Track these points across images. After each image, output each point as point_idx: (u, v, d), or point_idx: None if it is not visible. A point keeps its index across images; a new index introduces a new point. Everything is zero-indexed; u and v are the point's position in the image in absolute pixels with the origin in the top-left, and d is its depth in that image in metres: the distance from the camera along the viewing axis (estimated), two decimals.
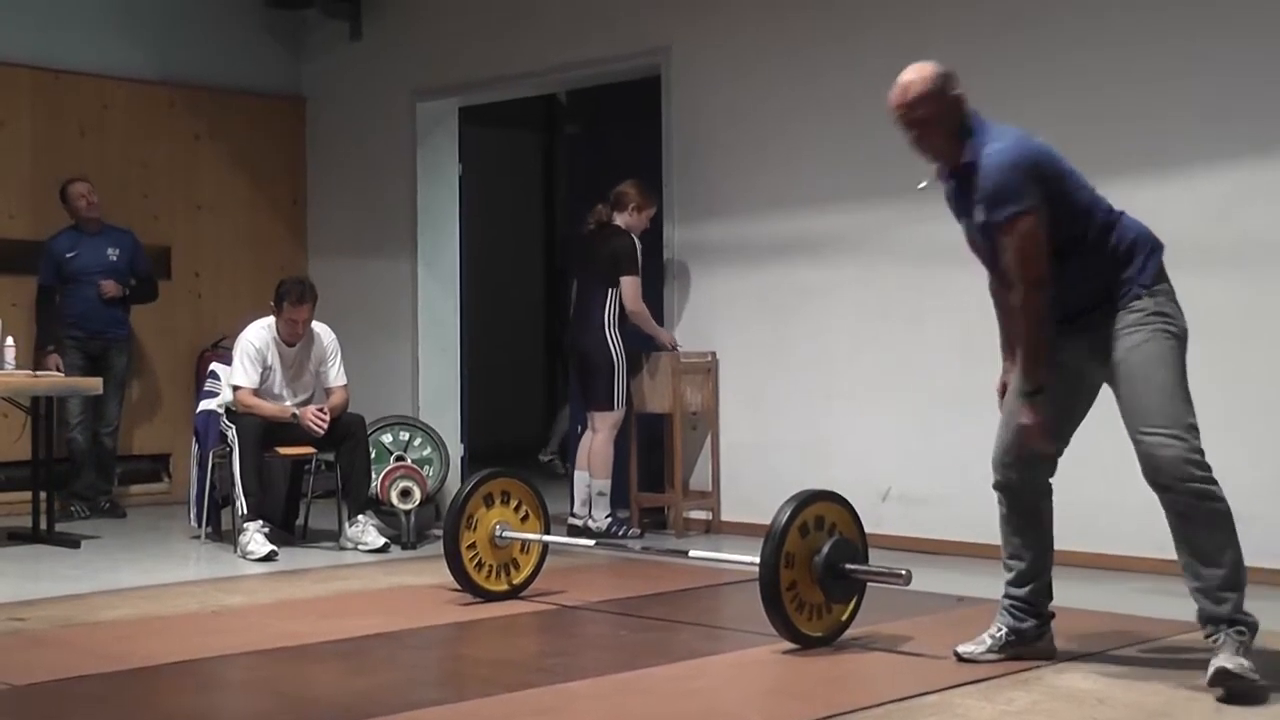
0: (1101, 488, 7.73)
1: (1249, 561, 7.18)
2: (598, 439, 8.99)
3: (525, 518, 6.87)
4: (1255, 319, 7.27)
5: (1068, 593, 6.96)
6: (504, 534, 6.75)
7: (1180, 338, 5.43)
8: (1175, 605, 6.59)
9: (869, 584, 5.83)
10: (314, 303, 8.60)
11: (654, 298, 9.53)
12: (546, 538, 6.93)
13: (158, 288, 10.48)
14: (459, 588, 6.77)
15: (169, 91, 11.19)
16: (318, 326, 8.73)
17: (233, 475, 8.38)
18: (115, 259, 10.09)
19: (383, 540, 8.47)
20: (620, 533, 8.86)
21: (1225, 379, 7.34)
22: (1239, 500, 7.21)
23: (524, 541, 6.87)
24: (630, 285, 8.95)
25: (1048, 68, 7.95)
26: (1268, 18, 7.25)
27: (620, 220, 9.06)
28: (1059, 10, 7.93)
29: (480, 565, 6.72)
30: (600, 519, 8.91)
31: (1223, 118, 7.37)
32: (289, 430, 8.50)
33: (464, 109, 11.12)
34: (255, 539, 8.22)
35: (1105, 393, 7.68)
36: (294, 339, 8.62)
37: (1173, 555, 7.32)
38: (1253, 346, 7.27)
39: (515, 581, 6.85)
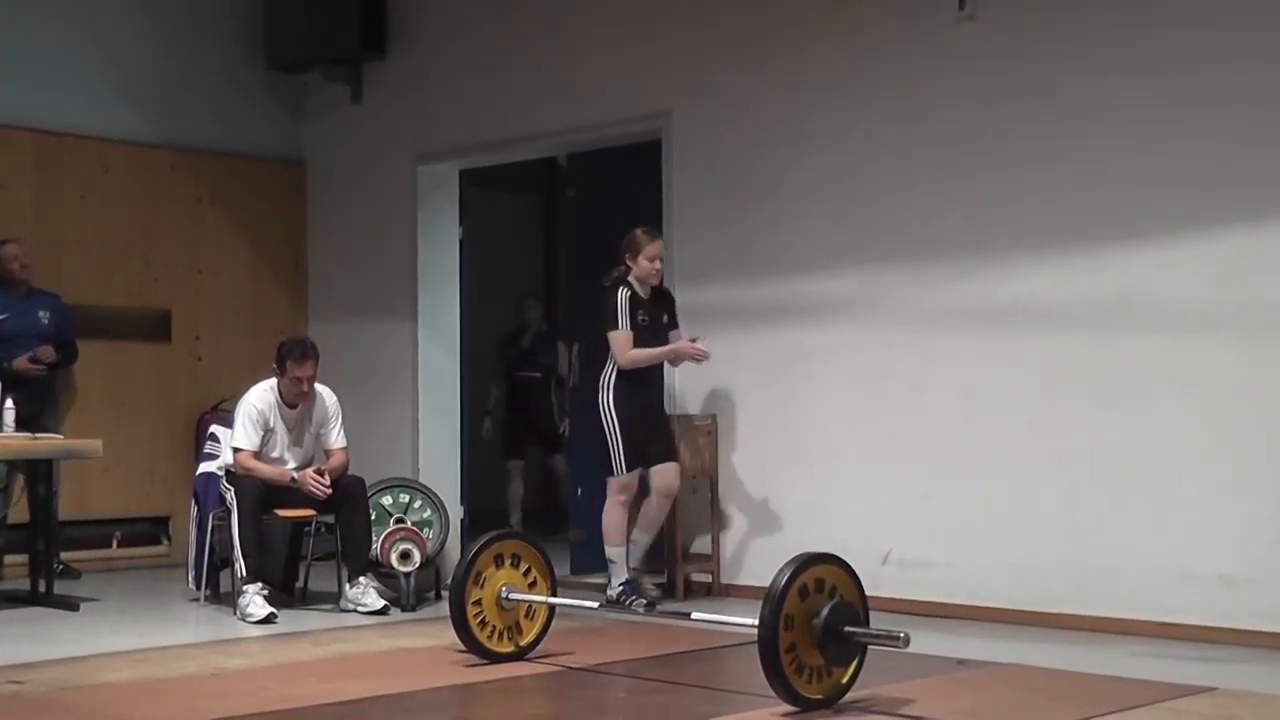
0: (1100, 552, 7.75)
1: (1248, 625, 7.23)
2: (605, 505, 8.74)
3: (533, 584, 6.88)
4: (1256, 381, 7.28)
5: (1064, 656, 6.97)
6: (510, 596, 6.75)
7: None
8: (1172, 669, 6.60)
9: (869, 647, 5.82)
10: (317, 360, 8.61)
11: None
12: (551, 599, 6.93)
13: (77, 351, 10.27)
14: (460, 649, 6.77)
15: (170, 155, 11.24)
16: (320, 388, 8.73)
17: (232, 537, 8.37)
18: (46, 322, 9.97)
19: (382, 602, 8.45)
20: (627, 602, 8.58)
21: (1226, 441, 7.36)
22: (1240, 563, 7.27)
23: (529, 606, 6.87)
24: (613, 341, 8.63)
25: (1047, 133, 8.00)
26: (1268, 82, 7.29)
27: (631, 275, 8.74)
28: (1058, 76, 7.97)
29: (484, 624, 6.72)
30: (614, 586, 8.66)
31: (1222, 182, 7.41)
32: (288, 492, 8.49)
33: (464, 172, 11.17)
34: (255, 601, 8.21)
35: (1105, 461, 7.73)
36: (299, 399, 8.63)
37: (1170, 619, 7.40)
38: (1254, 409, 7.28)
39: (521, 644, 6.84)
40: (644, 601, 8.57)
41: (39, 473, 9.34)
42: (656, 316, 8.73)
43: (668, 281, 9.52)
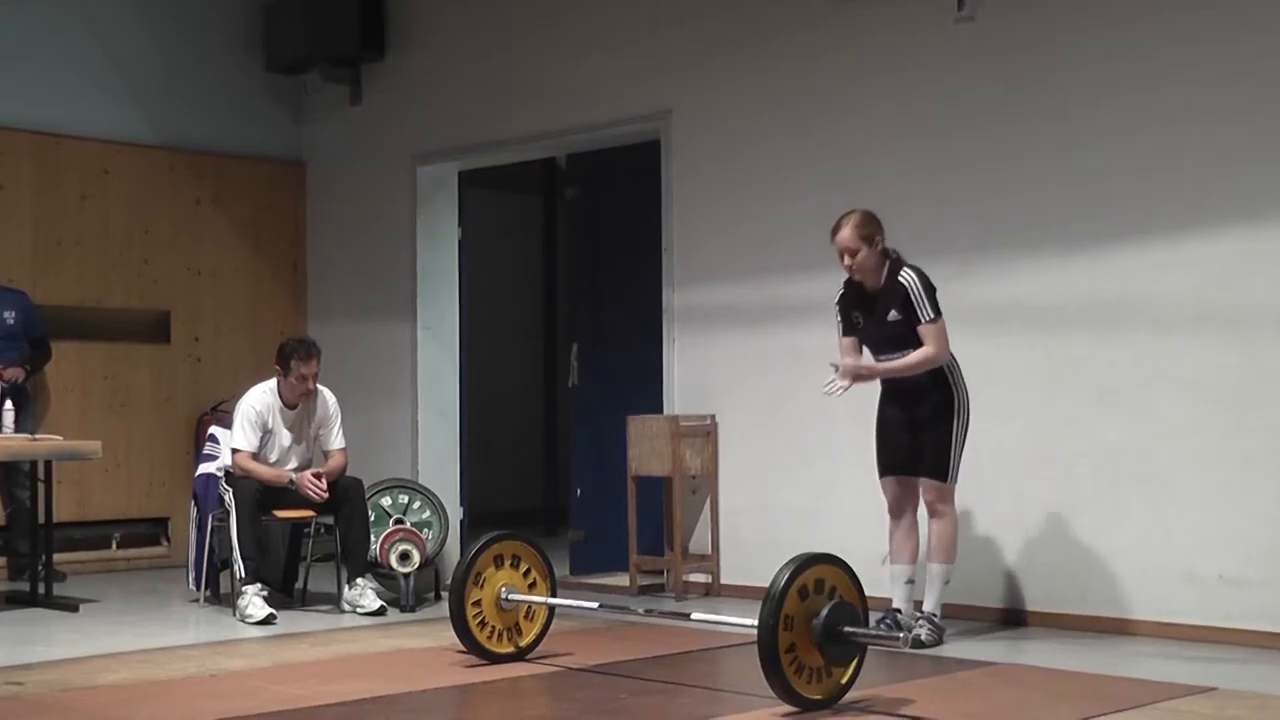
0: (1100, 552, 7.75)
1: (1249, 625, 7.23)
2: None
3: (533, 584, 6.88)
4: (1251, 382, 7.28)
5: (1063, 656, 6.97)
6: (509, 596, 6.76)
7: None
8: (1172, 669, 6.60)
9: (869, 647, 5.82)
10: (320, 359, 8.63)
11: (655, 360, 9.55)
12: (551, 600, 6.93)
13: (51, 349, 10.14)
14: (459, 650, 6.77)
15: (169, 156, 11.23)
16: (320, 389, 8.73)
17: (231, 539, 8.37)
18: (12, 322, 9.84)
19: (380, 603, 8.45)
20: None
21: (1226, 441, 7.36)
22: (1240, 563, 7.26)
23: (529, 607, 6.87)
24: None
25: (1045, 133, 8.00)
26: (1266, 84, 7.29)
27: None
28: (1056, 76, 7.97)
29: (484, 625, 6.72)
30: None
31: (1221, 181, 7.40)
32: (288, 493, 8.49)
33: (464, 173, 11.17)
34: (254, 602, 8.21)
35: (1105, 461, 7.73)
36: (302, 398, 8.62)
37: (1170, 619, 7.40)
38: (1254, 409, 7.28)
39: (520, 645, 6.85)
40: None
41: (18, 474, 9.35)
42: (879, 313, 7.40)
43: (667, 282, 9.53)
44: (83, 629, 8.08)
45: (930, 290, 7.28)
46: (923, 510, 7.50)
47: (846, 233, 7.34)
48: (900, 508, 7.52)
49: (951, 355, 7.35)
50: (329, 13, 11.17)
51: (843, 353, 7.51)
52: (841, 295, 7.53)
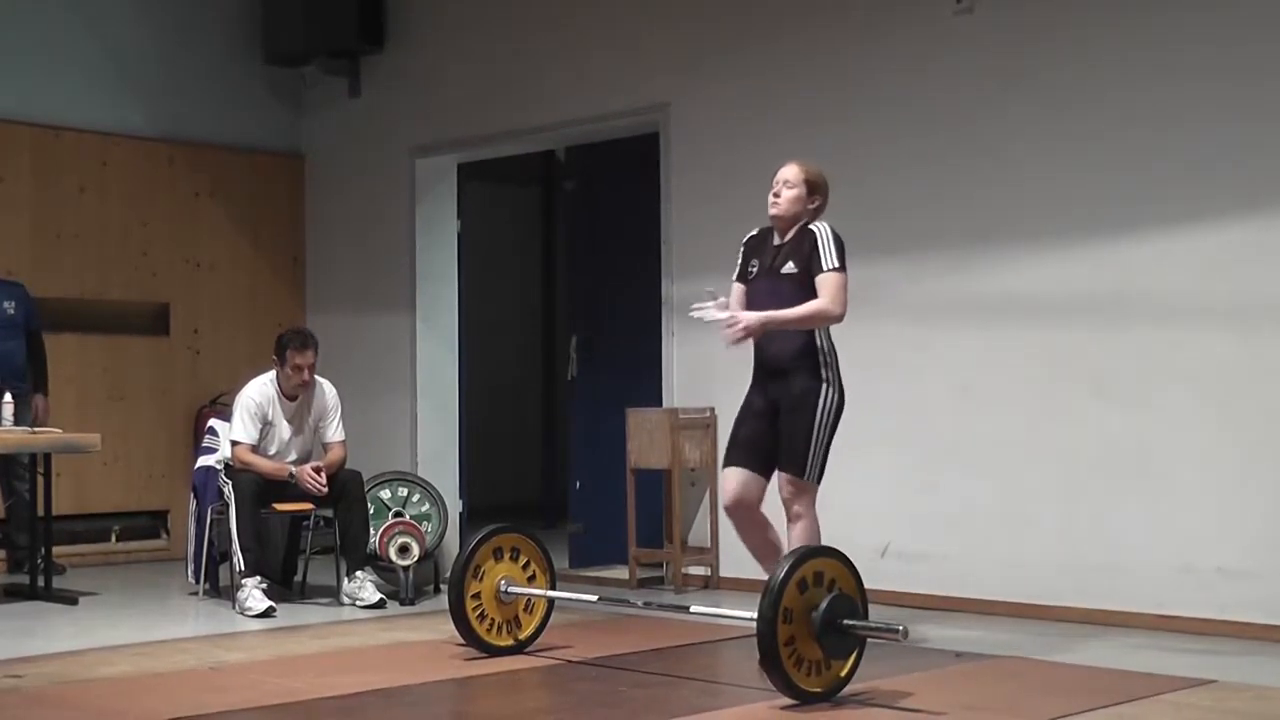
0: (1099, 544, 7.75)
1: (1247, 618, 7.23)
2: None
3: (532, 577, 6.89)
4: (1254, 373, 7.28)
5: (1062, 649, 6.97)
6: (509, 589, 6.76)
7: None
8: (1171, 661, 6.60)
9: (867, 640, 5.82)
10: (317, 349, 8.62)
11: (654, 353, 9.55)
12: (550, 593, 6.94)
13: (44, 343, 9.99)
14: (459, 643, 6.78)
15: (168, 149, 11.23)
16: (320, 381, 8.73)
17: (230, 531, 8.37)
18: (13, 311, 9.80)
19: (380, 596, 8.45)
20: None
21: (1225, 433, 7.36)
22: (1238, 555, 7.27)
23: (528, 600, 6.87)
24: None
25: (1045, 125, 7.99)
26: (1265, 75, 7.29)
27: None
28: (1055, 69, 7.96)
29: (483, 617, 6.72)
30: None
31: (1220, 173, 7.40)
32: (287, 486, 8.49)
33: (462, 165, 11.17)
34: (253, 595, 8.21)
35: (1104, 454, 7.74)
36: (299, 389, 8.62)
37: (1169, 611, 7.41)
38: (1253, 401, 7.28)
39: (520, 638, 6.85)
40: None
41: (18, 467, 9.37)
42: (776, 264, 6.74)
43: (666, 274, 9.51)
44: (82, 622, 8.09)
45: (841, 245, 6.62)
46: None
47: (792, 167, 6.86)
48: (738, 505, 6.76)
49: (832, 344, 6.75)
50: (328, 5, 11.16)
51: (731, 298, 6.81)
52: (750, 237, 6.96)
